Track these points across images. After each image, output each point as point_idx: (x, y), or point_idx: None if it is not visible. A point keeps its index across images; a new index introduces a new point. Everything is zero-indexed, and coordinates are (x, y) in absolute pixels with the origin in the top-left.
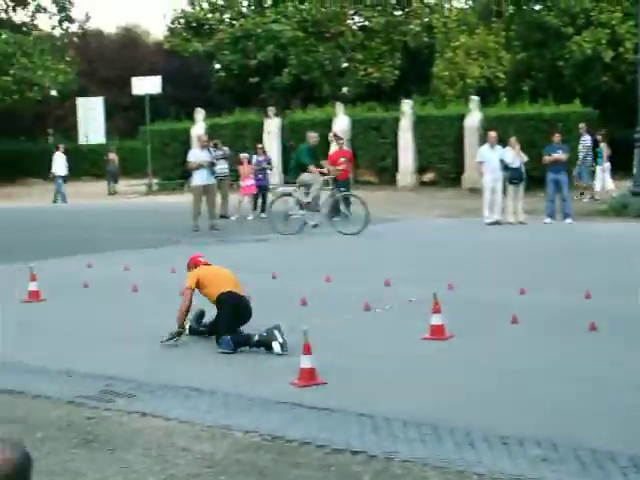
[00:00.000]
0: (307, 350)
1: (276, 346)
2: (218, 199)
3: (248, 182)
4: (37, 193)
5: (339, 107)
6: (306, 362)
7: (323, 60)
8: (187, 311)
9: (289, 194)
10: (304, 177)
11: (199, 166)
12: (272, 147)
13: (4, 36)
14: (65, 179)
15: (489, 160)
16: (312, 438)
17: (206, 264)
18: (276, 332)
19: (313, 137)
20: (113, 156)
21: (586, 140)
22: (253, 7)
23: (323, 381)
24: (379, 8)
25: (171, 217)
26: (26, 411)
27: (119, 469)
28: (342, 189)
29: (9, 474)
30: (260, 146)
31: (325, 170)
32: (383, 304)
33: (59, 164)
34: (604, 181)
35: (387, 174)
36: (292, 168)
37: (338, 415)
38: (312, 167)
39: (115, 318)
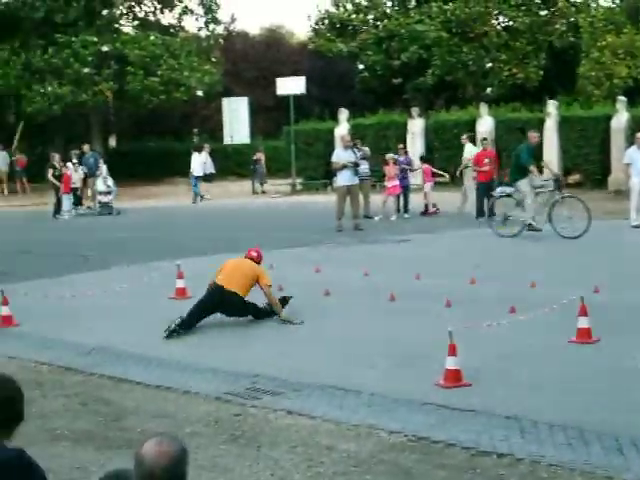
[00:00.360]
0: (452, 351)
1: (166, 329)
2: (361, 199)
3: (393, 182)
4: (183, 192)
5: (483, 108)
6: (451, 363)
7: (467, 60)
8: None
9: (508, 195)
10: (520, 185)
11: (343, 166)
12: (415, 147)
13: (152, 38)
14: (210, 178)
15: (636, 162)
16: (457, 440)
17: (251, 258)
18: (177, 319)
19: (534, 137)
20: (260, 156)
21: None
22: (397, 8)
23: (468, 383)
24: (524, 8)
25: (315, 217)
26: (175, 406)
27: (266, 466)
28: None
29: (166, 466)
30: (401, 146)
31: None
32: (529, 306)
33: (195, 164)
34: None
35: None
36: (511, 169)
37: (483, 417)
38: (532, 167)
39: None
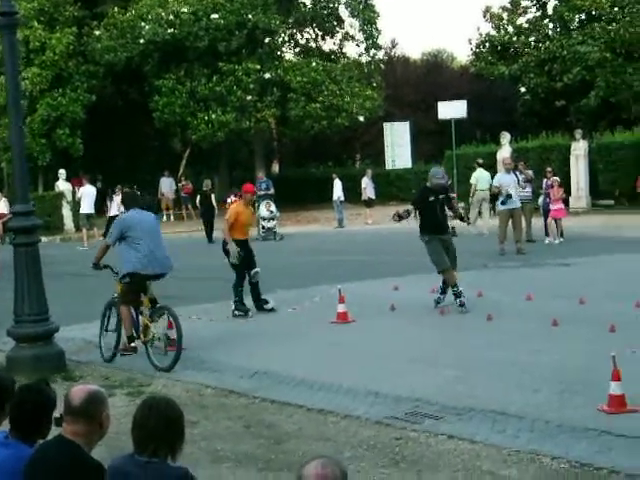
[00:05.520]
0: (616, 377)
1: None
2: (523, 223)
3: (557, 206)
4: (345, 217)
5: None
6: (616, 389)
7: (632, 81)
8: None
9: None
10: None
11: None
12: (580, 170)
13: (313, 64)
14: (370, 203)
15: None
16: (622, 467)
17: None
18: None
19: None
20: None
21: None
22: (559, 29)
23: (634, 409)
24: None
25: (477, 241)
26: (336, 430)
27: None
28: None
29: None
30: (549, 170)
31: None
32: None
33: (336, 189)
34: None
35: None
36: None
37: None
38: None
39: (422, 341)
